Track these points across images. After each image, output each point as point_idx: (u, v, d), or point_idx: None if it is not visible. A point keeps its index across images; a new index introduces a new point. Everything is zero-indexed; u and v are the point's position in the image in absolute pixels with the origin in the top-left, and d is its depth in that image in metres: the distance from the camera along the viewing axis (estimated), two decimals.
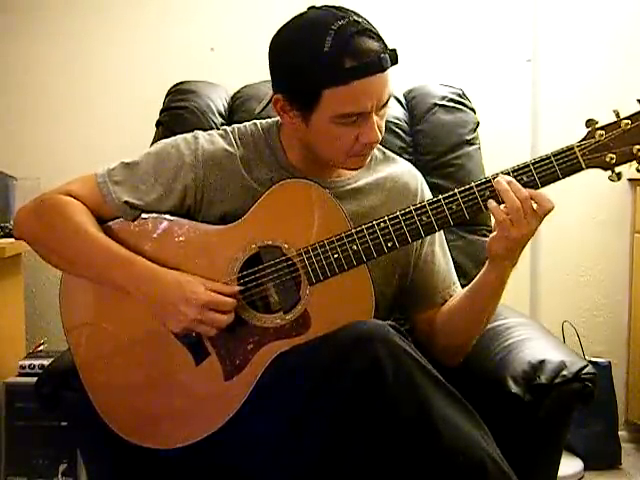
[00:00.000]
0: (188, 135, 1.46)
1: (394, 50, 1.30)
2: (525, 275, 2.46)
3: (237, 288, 1.33)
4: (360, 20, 1.29)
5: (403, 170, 1.54)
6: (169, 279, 1.32)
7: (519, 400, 1.38)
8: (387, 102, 1.33)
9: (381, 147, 1.56)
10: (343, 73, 1.26)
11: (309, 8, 1.34)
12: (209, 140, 1.45)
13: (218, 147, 1.45)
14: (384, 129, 1.37)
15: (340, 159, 1.38)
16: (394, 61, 1.30)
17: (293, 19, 1.35)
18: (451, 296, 1.49)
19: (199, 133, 1.47)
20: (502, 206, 1.27)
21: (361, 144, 1.34)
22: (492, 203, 1.28)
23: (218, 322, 1.30)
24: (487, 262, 1.35)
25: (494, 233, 1.29)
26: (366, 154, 1.39)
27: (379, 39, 1.29)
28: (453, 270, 1.54)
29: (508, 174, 1.29)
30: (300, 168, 1.45)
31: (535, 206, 1.26)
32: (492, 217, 1.29)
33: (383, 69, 1.28)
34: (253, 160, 1.45)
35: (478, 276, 1.38)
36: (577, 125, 1.34)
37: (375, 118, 1.32)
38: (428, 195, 1.55)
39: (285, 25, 1.35)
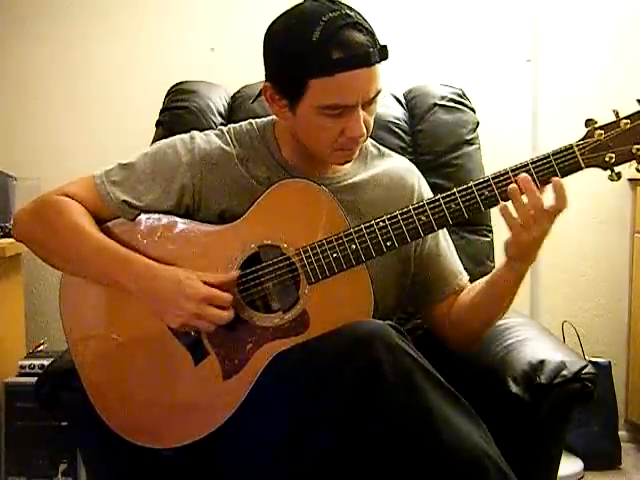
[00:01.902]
0: (185, 135, 1.47)
1: (384, 46, 1.30)
2: (525, 275, 2.46)
3: (235, 273, 1.33)
4: (352, 14, 1.29)
5: (399, 165, 1.55)
6: (167, 275, 1.32)
7: (519, 400, 1.38)
8: (375, 98, 1.33)
9: (376, 144, 1.56)
10: (329, 64, 1.26)
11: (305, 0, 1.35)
12: (206, 140, 1.45)
13: (215, 146, 1.45)
14: (372, 126, 1.38)
15: (325, 152, 1.38)
16: (383, 57, 1.30)
17: (288, 9, 1.35)
18: (459, 286, 1.50)
19: (195, 133, 1.47)
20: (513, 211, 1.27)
21: (346, 138, 1.34)
22: (503, 208, 1.28)
23: (217, 317, 1.30)
24: (505, 261, 1.35)
25: (509, 237, 1.30)
26: (352, 149, 1.38)
27: (369, 34, 1.29)
28: (458, 260, 1.54)
29: (507, 173, 1.29)
30: (295, 165, 1.45)
31: (548, 205, 1.26)
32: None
33: (370, 63, 1.28)
34: (250, 158, 1.45)
35: (496, 272, 1.39)
36: (577, 125, 1.34)
37: (362, 113, 1.32)
38: (425, 188, 1.55)
39: (280, 15, 1.36)
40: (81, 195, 1.41)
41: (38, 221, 1.40)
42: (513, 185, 1.26)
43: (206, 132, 1.48)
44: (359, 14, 1.31)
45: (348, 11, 1.29)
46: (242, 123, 1.51)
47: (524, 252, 1.31)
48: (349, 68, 1.27)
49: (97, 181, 1.42)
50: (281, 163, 1.45)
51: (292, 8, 1.35)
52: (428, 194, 1.55)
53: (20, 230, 1.44)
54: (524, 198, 1.26)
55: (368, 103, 1.32)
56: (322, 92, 1.29)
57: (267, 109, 1.43)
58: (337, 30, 1.26)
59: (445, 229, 1.54)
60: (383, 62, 1.31)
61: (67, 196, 1.40)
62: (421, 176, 1.57)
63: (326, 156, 1.40)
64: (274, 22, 1.36)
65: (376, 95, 1.33)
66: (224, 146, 1.45)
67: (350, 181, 1.48)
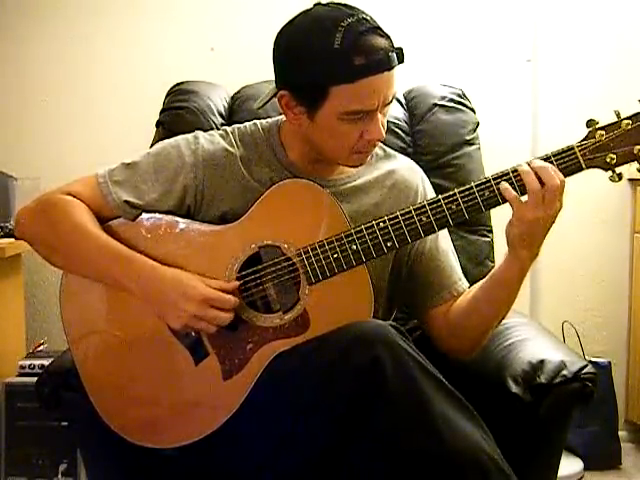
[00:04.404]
0: (189, 135, 1.46)
1: (401, 48, 1.31)
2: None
3: (236, 283, 1.33)
4: (368, 18, 1.29)
5: (403, 166, 1.55)
6: (169, 276, 1.32)
7: (519, 400, 1.38)
8: (392, 100, 1.34)
9: (381, 144, 1.56)
10: (352, 70, 1.26)
11: (315, 5, 1.34)
12: (209, 140, 1.45)
13: (218, 147, 1.45)
14: (386, 126, 1.37)
15: (343, 156, 1.38)
16: (401, 60, 1.31)
17: (300, 15, 1.34)
18: (458, 292, 1.48)
19: (199, 133, 1.47)
20: (525, 197, 1.27)
21: (365, 141, 1.34)
22: (504, 184, 1.27)
23: (218, 319, 1.30)
24: (507, 252, 1.34)
25: (510, 219, 1.29)
26: (369, 151, 1.40)
27: (387, 37, 1.29)
28: (459, 266, 1.53)
29: (507, 174, 1.29)
30: (300, 167, 1.45)
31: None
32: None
33: (391, 67, 1.29)
34: (253, 160, 1.45)
35: (497, 266, 1.38)
36: (577, 125, 1.34)
37: (379, 116, 1.33)
38: (430, 189, 1.55)
39: (292, 21, 1.35)
40: (84, 194, 1.41)
41: (41, 219, 1.40)
42: (526, 168, 1.26)
43: (210, 132, 1.48)
44: (372, 18, 1.31)
45: (364, 15, 1.29)
46: (247, 124, 1.51)
47: (525, 233, 1.28)
48: (372, 73, 1.27)
49: (100, 180, 1.42)
50: (285, 165, 1.45)
51: (303, 14, 1.34)
52: (432, 195, 1.54)
53: (23, 228, 1.44)
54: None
55: (384, 106, 1.33)
56: (344, 98, 1.29)
57: (268, 110, 1.43)
58: (358, 36, 1.26)
59: (447, 234, 1.53)
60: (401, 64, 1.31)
61: (70, 195, 1.40)
62: (425, 177, 1.57)
63: (343, 160, 1.40)
64: (286, 29, 1.35)
65: (393, 97, 1.33)
66: (228, 147, 1.45)
67: (354, 183, 1.48)
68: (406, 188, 1.51)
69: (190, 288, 1.30)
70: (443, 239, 1.52)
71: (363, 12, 1.31)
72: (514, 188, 1.28)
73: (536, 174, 1.26)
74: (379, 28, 1.29)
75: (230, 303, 1.31)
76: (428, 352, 1.29)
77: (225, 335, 1.33)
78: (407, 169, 1.55)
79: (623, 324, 2.63)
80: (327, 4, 1.33)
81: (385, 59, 1.28)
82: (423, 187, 1.54)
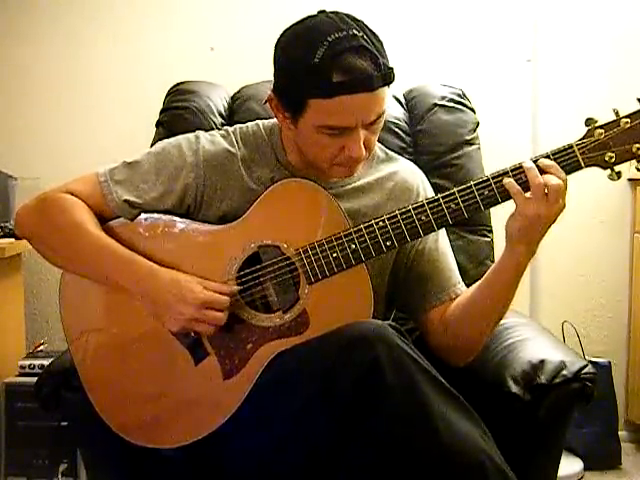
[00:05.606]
0: (190, 135, 1.46)
1: (391, 69, 1.29)
2: (525, 275, 2.43)
3: (236, 288, 1.33)
4: (360, 35, 1.26)
5: (404, 169, 1.54)
6: (167, 278, 1.32)
7: (519, 400, 1.38)
8: (378, 119, 1.32)
9: (383, 147, 1.56)
10: (328, 86, 1.25)
11: (319, 12, 1.33)
12: (210, 140, 1.45)
13: (219, 147, 1.45)
14: (375, 144, 1.37)
15: (324, 166, 1.38)
16: (387, 81, 1.28)
17: (300, 21, 1.34)
18: (456, 294, 1.48)
19: (200, 133, 1.47)
20: (528, 194, 1.26)
21: (345, 156, 1.33)
22: (507, 180, 1.27)
23: (216, 320, 1.30)
24: (505, 249, 1.34)
25: (512, 213, 1.28)
26: (352, 166, 1.37)
27: (374, 58, 1.26)
28: (457, 270, 1.52)
29: (506, 173, 1.29)
30: (301, 168, 1.45)
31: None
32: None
33: (371, 89, 1.26)
34: (254, 160, 1.45)
35: (495, 263, 1.37)
36: (577, 125, 1.33)
37: (364, 133, 1.31)
38: (430, 192, 1.55)
39: (292, 25, 1.34)
40: (84, 193, 1.41)
41: (40, 218, 1.41)
42: (530, 165, 1.26)
43: (211, 132, 1.48)
44: (367, 35, 1.27)
45: (355, 32, 1.26)
46: (249, 124, 1.51)
47: (524, 228, 1.28)
48: (349, 92, 1.25)
49: (101, 179, 1.42)
50: (286, 165, 1.45)
51: (302, 20, 1.33)
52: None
53: (22, 227, 1.44)
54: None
55: (370, 123, 1.31)
56: (321, 112, 1.28)
57: (269, 110, 1.43)
58: (339, 53, 1.24)
59: (446, 237, 1.53)
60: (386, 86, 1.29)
61: (70, 193, 1.41)
62: (425, 179, 1.56)
63: (325, 169, 1.39)
64: (283, 34, 1.34)
65: (378, 117, 1.31)
66: (229, 147, 1.45)
67: (354, 184, 1.48)
68: (407, 190, 1.51)
69: (188, 291, 1.30)
70: (443, 242, 1.51)
71: (358, 29, 1.27)
72: None
73: (540, 171, 1.26)
74: (367, 48, 1.26)
75: (226, 303, 1.31)
76: (427, 352, 1.29)
77: (225, 335, 1.33)
78: (408, 171, 1.54)
79: (623, 324, 2.63)
80: (329, 13, 1.31)
81: (366, 80, 1.25)
82: (424, 189, 1.54)
